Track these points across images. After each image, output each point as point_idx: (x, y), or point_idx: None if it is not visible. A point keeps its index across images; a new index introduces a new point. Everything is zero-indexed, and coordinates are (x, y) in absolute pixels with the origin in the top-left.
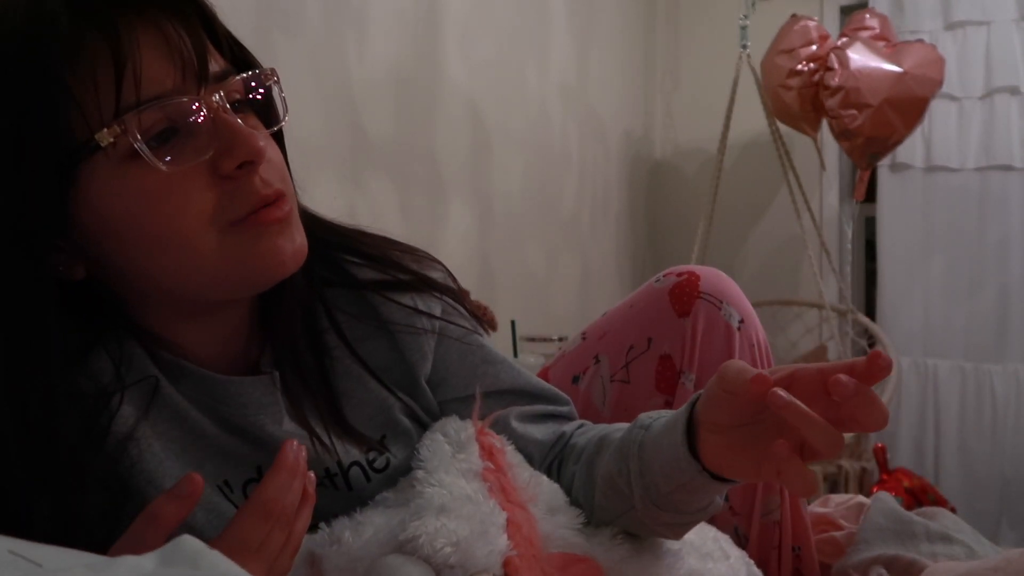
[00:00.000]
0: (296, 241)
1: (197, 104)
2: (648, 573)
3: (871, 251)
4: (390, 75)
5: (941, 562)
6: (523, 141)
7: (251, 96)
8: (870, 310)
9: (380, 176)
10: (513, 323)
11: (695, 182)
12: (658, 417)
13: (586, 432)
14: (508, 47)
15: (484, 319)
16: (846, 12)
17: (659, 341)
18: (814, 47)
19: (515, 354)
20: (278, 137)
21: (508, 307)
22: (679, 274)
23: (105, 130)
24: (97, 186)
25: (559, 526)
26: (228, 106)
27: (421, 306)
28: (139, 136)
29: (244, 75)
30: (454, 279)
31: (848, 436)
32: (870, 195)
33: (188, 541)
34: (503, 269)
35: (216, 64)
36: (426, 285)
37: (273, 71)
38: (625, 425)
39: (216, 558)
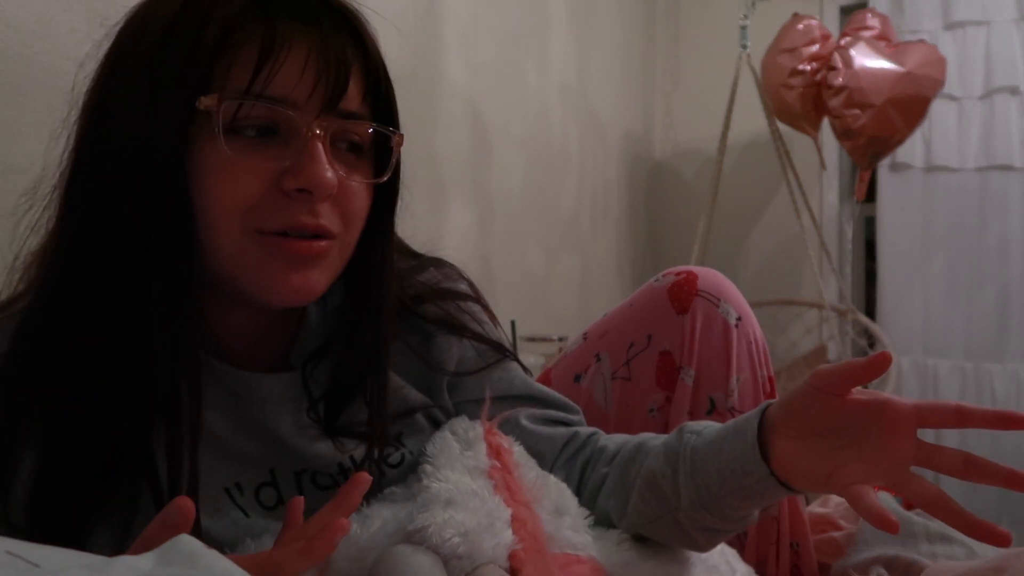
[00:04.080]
0: (309, 280)
1: (299, 121)
2: None
3: (871, 251)
4: (390, 75)
5: (941, 562)
6: (523, 141)
7: (375, 138)
8: (870, 310)
9: None
10: (513, 323)
11: (695, 182)
12: (706, 426)
13: (613, 438)
14: (508, 47)
15: None
16: (846, 12)
17: (659, 338)
18: (816, 46)
19: None
20: (383, 195)
21: (508, 307)
22: (677, 273)
23: (204, 98)
24: (196, 152)
25: (563, 527)
26: (327, 137)
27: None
28: (221, 119)
29: (368, 125)
30: (475, 288)
31: None
32: (870, 195)
33: (185, 541)
34: (503, 269)
35: (352, 104)
36: (455, 298)
37: (401, 137)
38: (661, 436)
39: (213, 557)
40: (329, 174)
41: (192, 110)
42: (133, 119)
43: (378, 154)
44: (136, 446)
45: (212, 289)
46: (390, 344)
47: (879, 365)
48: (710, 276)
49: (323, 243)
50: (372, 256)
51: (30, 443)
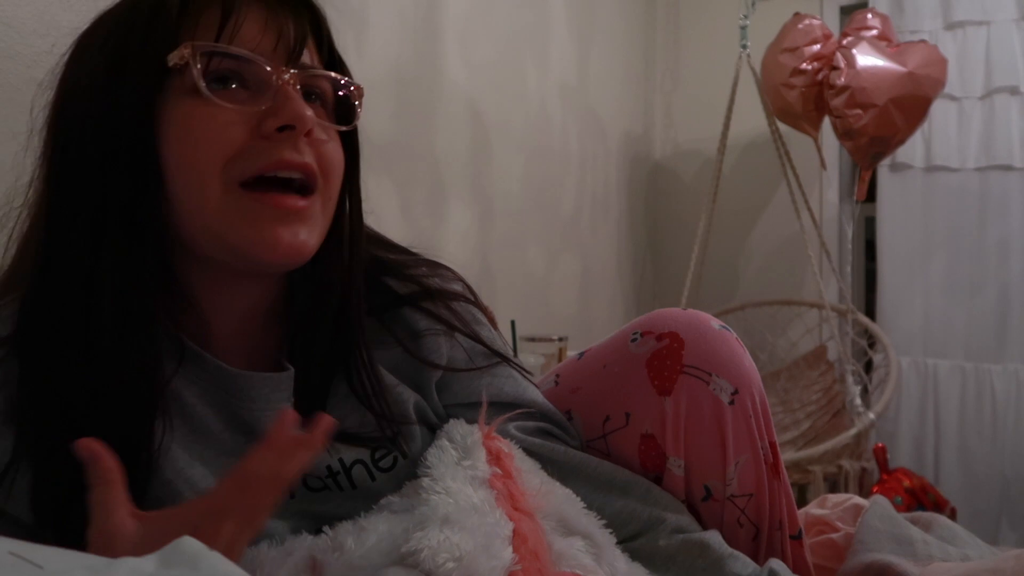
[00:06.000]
0: (299, 237)
1: (271, 69)
2: None
3: (871, 251)
4: (390, 75)
5: (937, 564)
6: (523, 141)
7: (335, 93)
8: (870, 310)
9: (380, 176)
10: (513, 323)
11: (695, 182)
12: None
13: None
14: (508, 47)
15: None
16: (846, 12)
17: (638, 419)
18: (818, 46)
19: (515, 354)
20: (349, 146)
21: (508, 307)
22: (659, 337)
23: (176, 51)
24: (167, 113)
25: (573, 547)
26: (298, 87)
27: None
28: (198, 66)
29: (333, 74)
30: (471, 290)
31: (848, 436)
32: (870, 195)
33: (188, 542)
34: (503, 269)
35: (310, 59)
36: (447, 297)
37: (361, 89)
38: (742, 556)
39: (215, 559)
40: (308, 111)
41: (160, 71)
42: (98, 88)
43: (335, 111)
44: (133, 432)
45: (201, 267)
46: (363, 316)
47: None
48: (698, 340)
49: (306, 201)
50: (340, 219)
51: (37, 431)
